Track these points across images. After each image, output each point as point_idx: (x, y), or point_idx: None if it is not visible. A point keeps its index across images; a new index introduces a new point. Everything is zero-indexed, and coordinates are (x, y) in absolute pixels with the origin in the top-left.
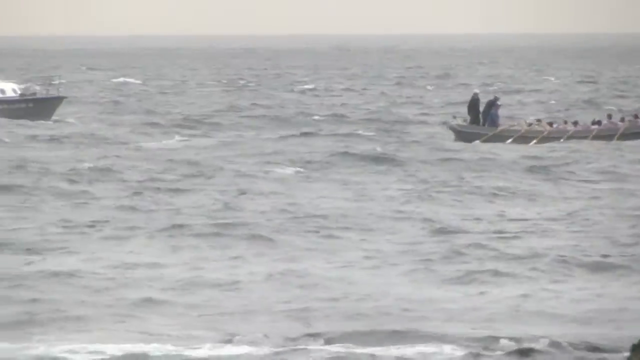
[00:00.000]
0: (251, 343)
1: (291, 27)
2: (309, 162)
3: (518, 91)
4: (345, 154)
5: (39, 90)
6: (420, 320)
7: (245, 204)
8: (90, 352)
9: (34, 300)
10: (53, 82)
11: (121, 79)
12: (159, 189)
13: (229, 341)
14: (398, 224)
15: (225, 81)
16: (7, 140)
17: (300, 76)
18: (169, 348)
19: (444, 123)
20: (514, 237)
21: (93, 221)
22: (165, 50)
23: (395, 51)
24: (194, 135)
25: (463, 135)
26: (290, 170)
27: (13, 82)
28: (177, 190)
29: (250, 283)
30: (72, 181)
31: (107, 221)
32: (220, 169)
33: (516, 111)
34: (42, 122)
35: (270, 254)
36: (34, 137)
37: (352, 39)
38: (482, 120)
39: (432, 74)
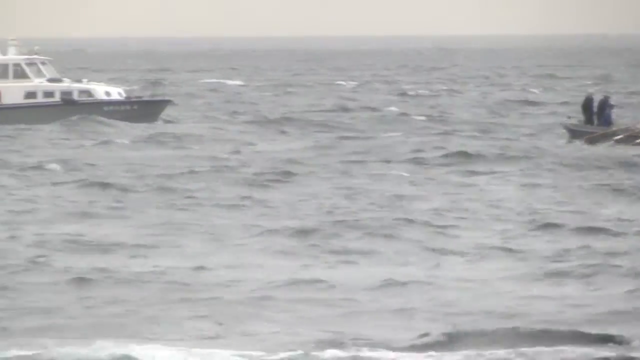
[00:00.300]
0: (355, 345)
1: (389, 29)
2: (411, 161)
3: (619, 92)
4: (448, 153)
5: (137, 91)
6: (524, 318)
7: (349, 204)
8: (188, 353)
9: (136, 300)
10: (159, 85)
11: (221, 80)
12: (260, 187)
13: (333, 343)
14: (502, 222)
15: (325, 82)
16: (117, 141)
17: (398, 76)
18: (271, 349)
19: (560, 123)
20: (617, 234)
21: (195, 220)
22: (258, 51)
23: (494, 51)
24: (297, 135)
25: (578, 135)
26: (393, 170)
27: (118, 86)
28: (279, 190)
29: (354, 283)
30: (175, 181)
31: (208, 220)
32: (322, 168)
33: (620, 112)
34: (148, 124)
35: (373, 253)
36: (140, 138)
37: (450, 40)
38: (596, 120)
39: (530, 73)
